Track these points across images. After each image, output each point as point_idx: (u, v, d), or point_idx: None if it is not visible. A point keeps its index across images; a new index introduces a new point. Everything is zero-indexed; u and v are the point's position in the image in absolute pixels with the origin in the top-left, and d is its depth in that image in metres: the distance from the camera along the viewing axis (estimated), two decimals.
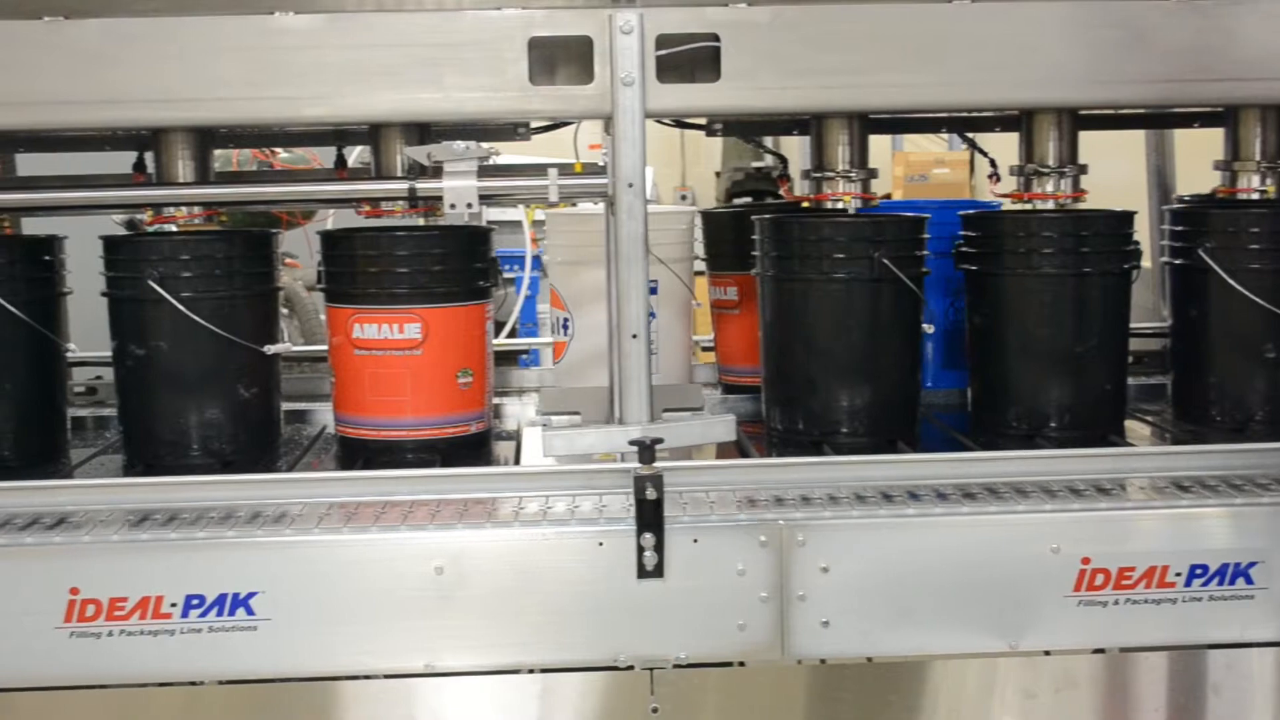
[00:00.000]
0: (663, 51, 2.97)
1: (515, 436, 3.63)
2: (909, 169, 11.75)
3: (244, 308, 3.22)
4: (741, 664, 2.85)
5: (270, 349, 3.23)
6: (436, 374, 3.18)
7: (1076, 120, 3.35)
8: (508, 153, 3.64)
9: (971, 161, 11.52)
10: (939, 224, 3.46)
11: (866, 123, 3.36)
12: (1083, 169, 3.36)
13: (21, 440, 3.23)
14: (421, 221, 3.32)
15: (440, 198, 3.01)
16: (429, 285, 3.16)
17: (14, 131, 3.55)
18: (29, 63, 2.97)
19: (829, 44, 3.03)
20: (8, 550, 2.73)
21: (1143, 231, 3.49)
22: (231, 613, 2.72)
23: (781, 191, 4.02)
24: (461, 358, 3.20)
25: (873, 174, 3.37)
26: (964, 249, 3.41)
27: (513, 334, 5.65)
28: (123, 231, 3.75)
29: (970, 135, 3.96)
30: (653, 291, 3.75)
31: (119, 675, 2.76)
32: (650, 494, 2.75)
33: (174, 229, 3.23)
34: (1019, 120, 3.42)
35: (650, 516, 2.75)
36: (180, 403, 3.21)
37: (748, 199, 8.88)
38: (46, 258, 3.27)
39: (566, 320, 3.92)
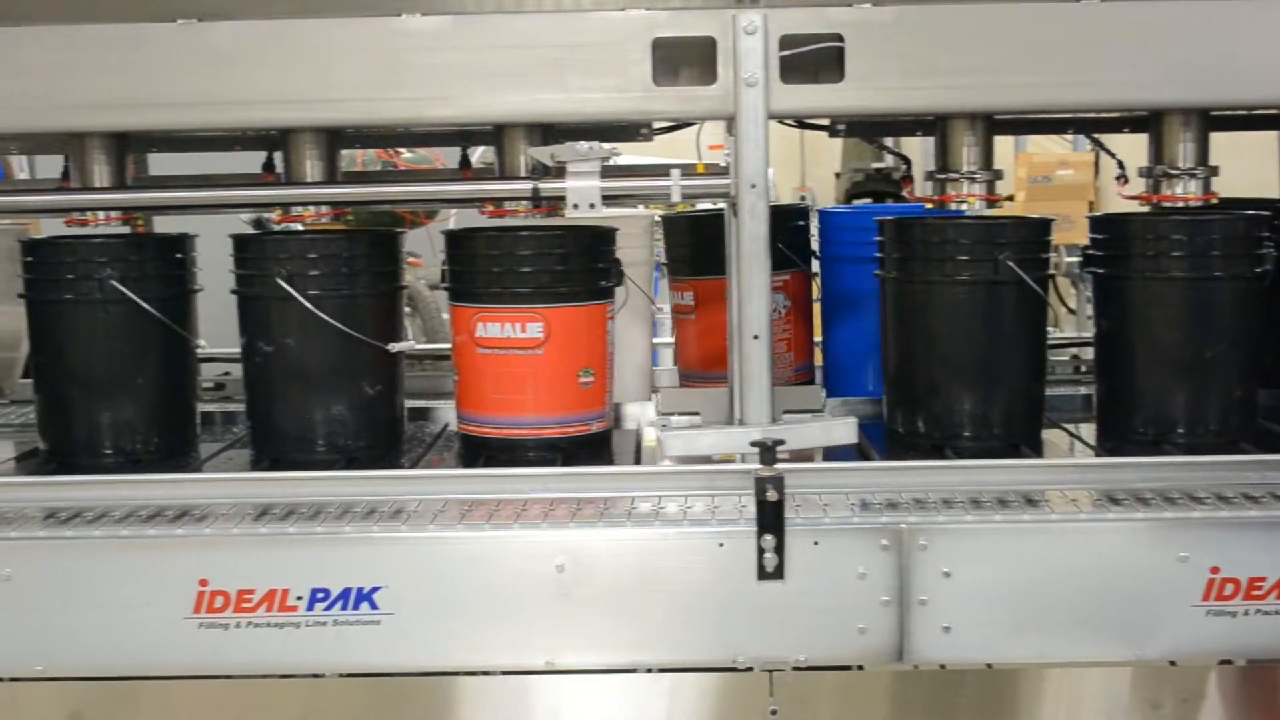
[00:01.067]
0: (786, 52, 2.96)
1: (636, 436, 3.64)
2: (1032, 170, 11.60)
3: (369, 306, 3.26)
4: (860, 667, 2.84)
5: (394, 347, 3.26)
6: (558, 373, 3.19)
7: (1207, 121, 3.29)
8: (627, 153, 3.63)
9: (1097, 163, 11.36)
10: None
11: (991, 123, 3.32)
12: (1213, 171, 3.29)
13: (153, 434, 3.29)
14: (544, 221, 3.34)
15: (563, 198, 3.03)
16: (551, 285, 3.17)
17: (148, 132, 3.62)
18: (163, 65, 3.02)
19: (954, 44, 3.01)
20: (140, 541, 2.79)
21: None
22: (355, 607, 2.75)
23: (904, 192, 3.99)
24: (583, 357, 3.21)
25: (998, 175, 3.33)
26: (1091, 252, 3.35)
27: None
28: (251, 230, 3.81)
29: (1097, 136, 3.90)
30: None
31: (244, 666, 2.81)
32: (771, 495, 2.74)
33: (300, 228, 3.29)
34: (1148, 121, 3.37)
35: (771, 518, 2.74)
36: (306, 399, 3.26)
37: (868, 200, 8.83)
38: (178, 256, 3.32)
39: None
